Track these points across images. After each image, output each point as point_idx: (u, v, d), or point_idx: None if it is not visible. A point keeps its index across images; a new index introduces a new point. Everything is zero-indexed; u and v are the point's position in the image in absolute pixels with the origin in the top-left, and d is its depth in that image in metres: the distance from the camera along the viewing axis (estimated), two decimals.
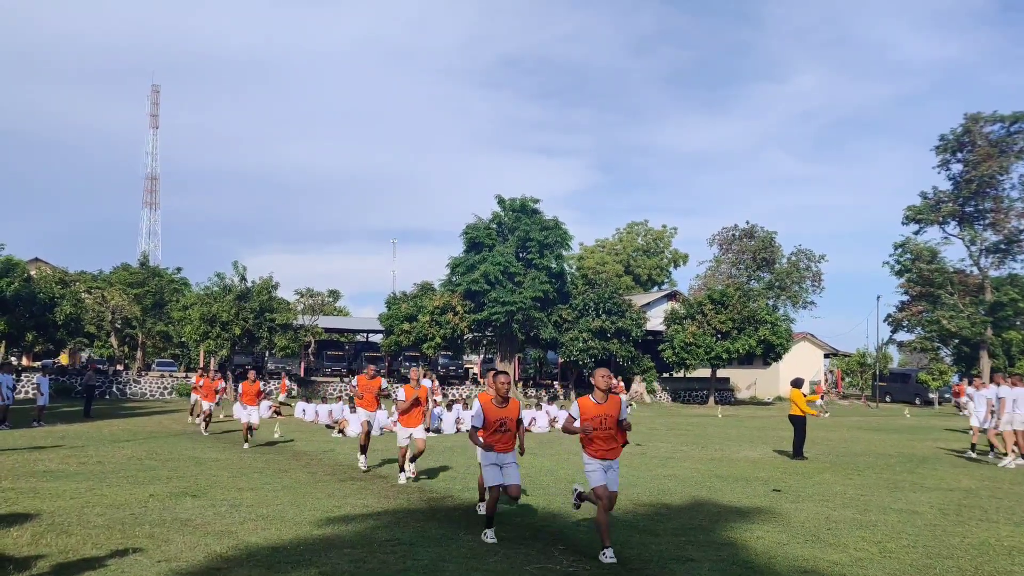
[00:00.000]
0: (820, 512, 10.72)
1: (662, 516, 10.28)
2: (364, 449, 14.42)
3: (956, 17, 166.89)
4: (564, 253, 48.31)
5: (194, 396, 26.76)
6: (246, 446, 18.26)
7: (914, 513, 10.75)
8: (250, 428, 18.80)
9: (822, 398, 44.53)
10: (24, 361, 51.87)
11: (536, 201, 46.93)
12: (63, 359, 50.74)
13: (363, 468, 14.18)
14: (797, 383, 18.58)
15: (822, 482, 13.88)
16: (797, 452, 17.68)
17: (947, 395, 52.94)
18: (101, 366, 50.72)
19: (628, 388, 50.06)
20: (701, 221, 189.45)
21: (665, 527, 9.53)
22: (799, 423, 17.88)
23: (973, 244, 54.18)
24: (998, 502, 11.85)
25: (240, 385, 19.92)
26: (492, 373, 9.37)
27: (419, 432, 12.86)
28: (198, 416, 24.97)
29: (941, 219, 54.88)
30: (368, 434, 14.50)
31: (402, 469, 13.04)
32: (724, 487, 13.05)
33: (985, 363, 51.60)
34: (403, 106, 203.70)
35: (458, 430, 23.74)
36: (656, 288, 74.10)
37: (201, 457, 16.09)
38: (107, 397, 39.81)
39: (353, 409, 20.25)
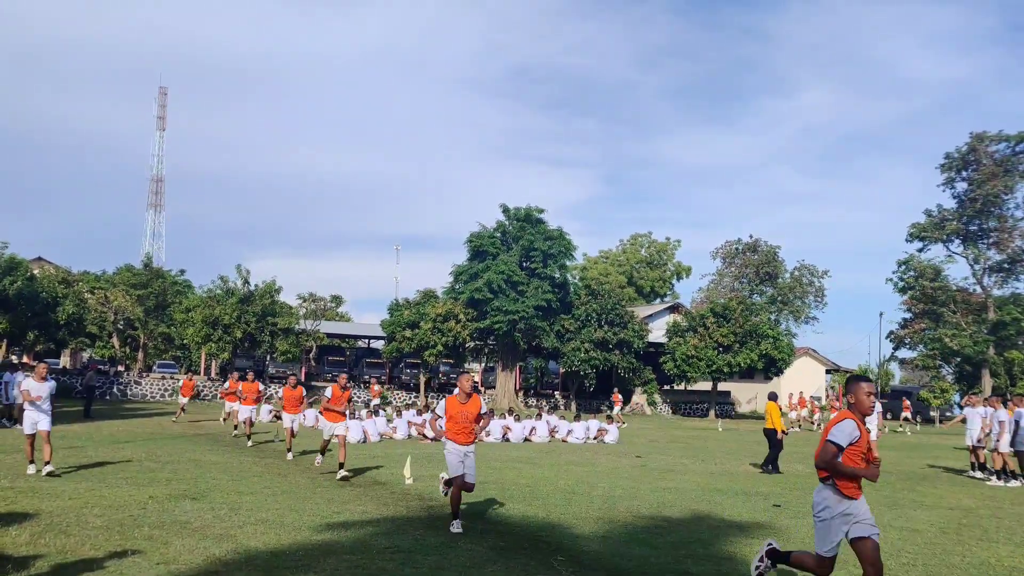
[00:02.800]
0: None
1: (662, 529, 10.25)
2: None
3: (964, 36, 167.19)
4: (567, 263, 48.35)
5: (229, 404, 24.89)
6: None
7: (914, 531, 10.72)
8: (293, 435, 17.73)
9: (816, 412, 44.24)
10: (25, 359, 51.85)
11: (541, 211, 46.99)
12: None
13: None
14: (773, 396, 18.90)
15: None
16: (773, 466, 17.79)
17: (948, 413, 52.86)
18: (102, 367, 50.74)
19: (628, 400, 50.06)
20: (705, 234, 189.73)
21: (665, 540, 9.51)
22: (775, 436, 17.98)
23: (976, 263, 54.21)
24: (998, 521, 11.81)
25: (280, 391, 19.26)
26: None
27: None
28: (235, 425, 23.24)
29: (945, 237, 54.92)
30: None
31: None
32: (724, 501, 13.02)
33: (987, 382, 51.54)
34: (411, 114, 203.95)
35: None
36: (658, 300, 74.12)
37: (201, 460, 16.08)
38: (107, 398, 39.80)
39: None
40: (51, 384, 13.63)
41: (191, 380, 30.96)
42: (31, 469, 12.96)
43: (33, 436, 13.10)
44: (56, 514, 9.54)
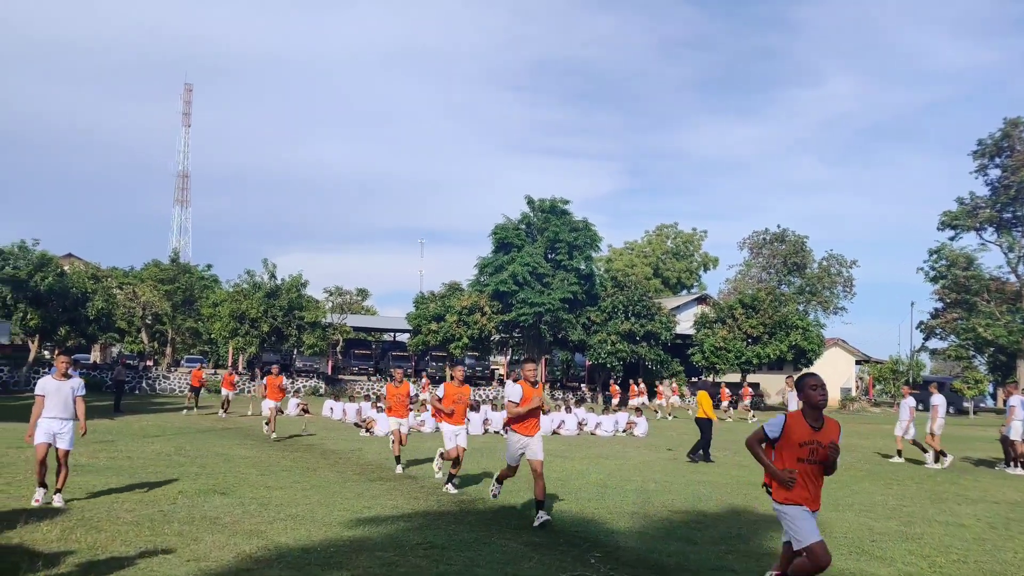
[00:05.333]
0: (862, 523, 10.40)
1: (699, 524, 10.00)
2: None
3: (992, 22, 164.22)
4: (593, 255, 47.99)
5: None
6: (398, 469, 13.96)
7: (961, 526, 10.40)
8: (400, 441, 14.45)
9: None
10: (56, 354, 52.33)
11: (566, 202, 46.65)
12: None
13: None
14: (703, 386, 19.21)
15: (861, 491, 13.52)
16: (705, 455, 17.75)
17: (982, 404, 52.02)
18: (131, 361, 51.13)
19: (654, 393, 49.71)
20: (731, 225, 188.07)
21: (703, 535, 9.27)
22: (706, 425, 18.10)
23: (1011, 251, 53.27)
24: None
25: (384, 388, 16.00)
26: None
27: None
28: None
29: (978, 225, 54.02)
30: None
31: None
32: (761, 494, 12.69)
33: (1022, 372, 50.64)
34: (434, 108, 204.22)
35: (485, 431, 23.56)
36: (685, 291, 73.58)
37: (229, 454, 16.02)
38: (136, 392, 40.09)
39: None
40: (75, 383, 10.18)
41: (231, 375, 31.29)
42: (39, 494, 9.79)
43: (46, 448, 9.83)
44: (87, 509, 9.47)
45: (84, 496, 10.36)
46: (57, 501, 9.72)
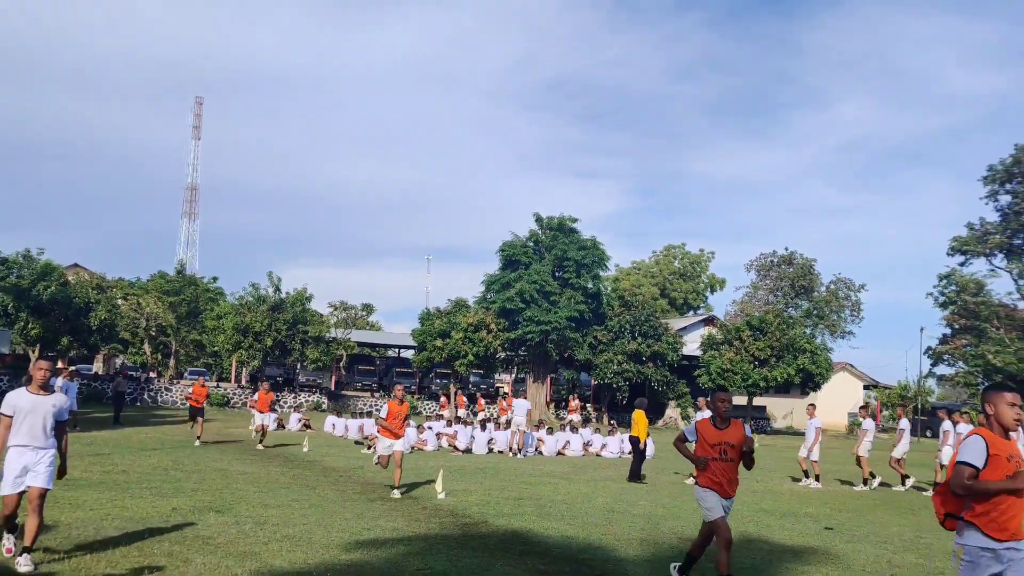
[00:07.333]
0: (880, 555, 10.01)
1: (711, 553, 9.58)
2: None
3: (1006, 49, 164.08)
4: (601, 273, 47.64)
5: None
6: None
7: None
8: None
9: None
10: (59, 365, 52.09)
11: (574, 220, 46.34)
12: None
13: None
14: (641, 404, 18.96)
15: (876, 521, 13.12)
16: (634, 475, 17.47)
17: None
18: (133, 373, 50.80)
19: (662, 414, 49.20)
20: (739, 247, 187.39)
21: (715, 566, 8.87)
22: (636, 443, 18.09)
23: (1021, 277, 52.87)
24: None
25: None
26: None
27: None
28: None
29: (988, 251, 53.62)
30: None
31: None
32: (772, 522, 12.35)
33: None
34: (446, 126, 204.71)
35: (490, 450, 23.18)
36: (692, 312, 73.10)
37: (228, 469, 15.66)
38: (138, 404, 39.73)
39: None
40: (58, 400, 7.54)
41: (268, 393, 23.02)
42: (8, 542, 7.41)
43: (17, 500, 7.26)
44: (75, 526, 9.12)
45: (73, 512, 10.00)
46: (23, 564, 6.96)
